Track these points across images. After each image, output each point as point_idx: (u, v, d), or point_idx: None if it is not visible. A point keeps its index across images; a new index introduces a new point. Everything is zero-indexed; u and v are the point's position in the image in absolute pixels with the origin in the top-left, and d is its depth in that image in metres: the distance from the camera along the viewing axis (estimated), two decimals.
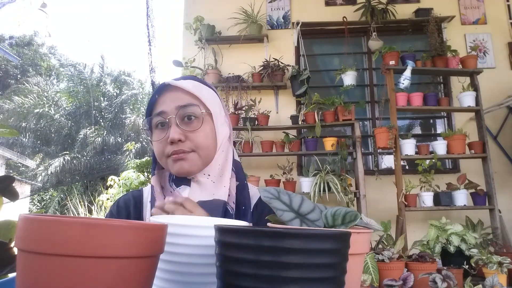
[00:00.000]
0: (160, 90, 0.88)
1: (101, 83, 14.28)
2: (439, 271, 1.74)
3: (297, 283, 0.37)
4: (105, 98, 14.14)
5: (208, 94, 0.90)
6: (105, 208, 5.64)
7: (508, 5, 4.09)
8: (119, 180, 5.68)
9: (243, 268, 0.39)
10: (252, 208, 0.90)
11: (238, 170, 0.90)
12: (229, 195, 0.85)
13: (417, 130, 4.30)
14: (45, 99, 13.06)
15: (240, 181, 0.90)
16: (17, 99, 12.23)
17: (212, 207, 0.81)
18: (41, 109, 12.53)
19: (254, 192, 0.93)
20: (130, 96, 14.31)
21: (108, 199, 5.64)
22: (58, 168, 11.57)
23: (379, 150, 3.53)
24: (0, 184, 0.74)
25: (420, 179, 3.19)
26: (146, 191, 0.95)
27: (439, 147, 3.22)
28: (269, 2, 4.18)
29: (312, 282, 0.38)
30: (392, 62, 3.35)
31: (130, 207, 0.93)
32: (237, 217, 0.84)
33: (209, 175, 0.86)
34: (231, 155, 0.90)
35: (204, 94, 0.88)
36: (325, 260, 0.39)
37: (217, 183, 0.86)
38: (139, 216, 0.92)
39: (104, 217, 0.98)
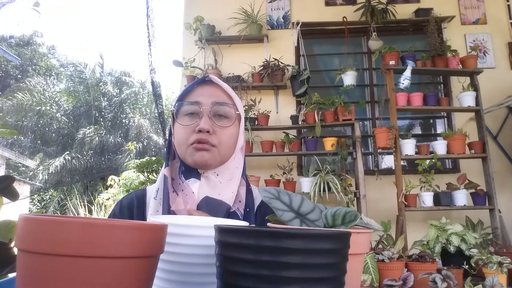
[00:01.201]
0: (200, 82, 0.91)
1: (101, 83, 14.26)
2: (439, 271, 1.74)
3: (297, 283, 0.37)
4: (105, 98, 14.12)
5: (239, 100, 0.94)
6: (105, 207, 5.65)
7: (508, 5, 4.09)
8: (119, 180, 5.69)
9: (243, 268, 0.39)
10: (255, 209, 0.92)
11: (245, 176, 0.94)
12: (239, 201, 0.88)
13: (417, 130, 4.30)
14: (46, 98, 13.05)
15: (247, 186, 0.93)
16: (17, 97, 12.23)
17: (216, 206, 0.83)
18: (42, 108, 12.52)
19: (257, 194, 0.95)
20: (130, 96, 14.30)
21: (108, 198, 5.64)
22: (58, 168, 11.57)
23: (379, 150, 3.53)
24: (0, 184, 0.74)
25: (420, 179, 3.19)
26: (150, 190, 0.95)
27: (439, 147, 3.22)
28: (269, 2, 4.18)
29: (312, 282, 0.38)
30: (392, 62, 3.35)
31: (133, 207, 0.93)
32: (244, 220, 0.86)
33: (217, 174, 0.88)
34: (241, 165, 0.93)
35: (237, 99, 0.93)
36: (325, 260, 0.39)
37: (224, 186, 0.87)
38: (142, 216, 0.92)
39: (106, 217, 0.99)
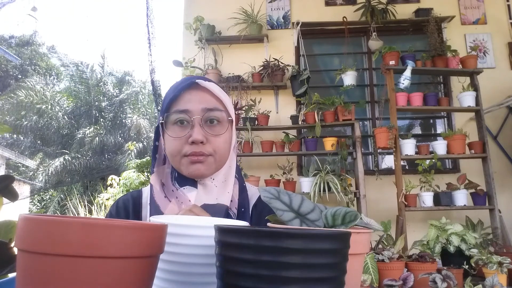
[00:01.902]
0: (186, 87, 0.86)
1: (101, 83, 14.26)
2: (439, 271, 1.74)
3: (297, 283, 0.37)
4: (106, 98, 14.12)
5: (229, 101, 0.90)
6: (105, 207, 5.65)
7: (508, 5, 4.09)
8: (119, 180, 5.69)
9: (243, 268, 0.39)
10: (251, 208, 0.91)
11: (239, 175, 0.92)
12: (231, 201, 0.86)
13: (417, 130, 4.30)
14: (46, 97, 13.04)
15: (239, 183, 0.91)
16: (17, 97, 12.23)
17: (215, 211, 0.82)
18: (42, 107, 12.52)
19: (253, 192, 0.94)
20: (131, 96, 14.30)
21: (108, 199, 5.64)
22: (58, 168, 11.57)
23: (379, 150, 3.53)
24: (0, 184, 0.74)
25: (420, 179, 3.19)
26: (146, 192, 0.93)
27: (439, 147, 3.22)
28: (269, 2, 4.18)
29: (312, 282, 0.38)
30: (392, 62, 3.35)
31: (129, 208, 0.92)
32: (238, 219, 0.85)
33: (213, 179, 0.86)
34: (234, 163, 0.91)
35: (227, 100, 0.89)
36: (325, 260, 0.39)
37: (221, 188, 0.86)
38: (138, 217, 0.91)
39: (104, 218, 0.98)
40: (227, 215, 0.83)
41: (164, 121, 0.86)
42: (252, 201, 0.92)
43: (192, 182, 0.86)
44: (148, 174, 5.78)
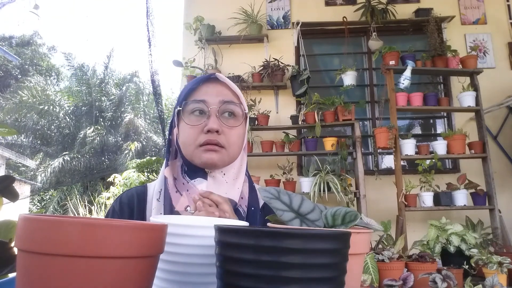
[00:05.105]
0: (205, 80, 0.90)
1: (102, 83, 14.25)
2: (439, 271, 1.74)
3: (297, 283, 0.37)
4: (106, 98, 14.12)
5: (243, 98, 0.93)
6: (105, 206, 5.64)
7: (508, 5, 4.09)
8: (119, 181, 5.69)
9: (243, 268, 0.39)
10: (260, 209, 0.92)
11: (248, 174, 0.95)
12: (242, 198, 0.88)
13: (417, 130, 4.30)
14: (47, 97, 13.03)
15: (249, 183, 0.93)
16: (18, 97, 12.22)
17: None
18: (42, 108, 12.52)
19: None
20: (131, 96, 14.30)
21: (108, 198, 5.64)
22: (58, 168, 11.57)
23: (379, 150, 3.52)
24: (0, 184, 0.74)
25: (420, 179, 3.19)
26: (151, 188, 0.93)
27: (439, 147, 3.22)
28: (269, 2, 4.18)
29: (312, 282, 0.38)
30: (392, 62, 3.35)
31: (133, 204, 0.91)
32: (247, 218, 0.86)
33: (224, 174, 0.88)
34: (245, 163, 0.93)
35: (242, 96, 0.92)
36: (325, 260, 0.39)
37: (231, 184, 0.88)
38: (143, 214, 0.89)
39: (105, 214, 0.97)
40: (236, 211, 0.85)
41: (180, 110, 0.89)
42: (261, 202, 0.94)
43: (202, 174, 0.87)
44: (148, 173, 5.78)
